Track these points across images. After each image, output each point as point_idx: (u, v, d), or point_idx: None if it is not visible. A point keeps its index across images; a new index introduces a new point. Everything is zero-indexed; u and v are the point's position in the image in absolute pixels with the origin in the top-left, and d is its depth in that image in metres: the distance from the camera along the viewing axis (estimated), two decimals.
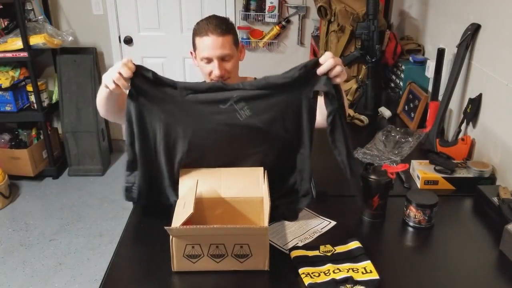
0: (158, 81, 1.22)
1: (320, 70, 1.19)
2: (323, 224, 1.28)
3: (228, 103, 1.24)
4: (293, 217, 1.30)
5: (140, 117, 1.24)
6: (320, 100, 1.25)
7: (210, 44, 1.45)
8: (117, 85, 1.17)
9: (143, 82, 1.21)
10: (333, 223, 1.29)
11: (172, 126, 1.25)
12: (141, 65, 1.21)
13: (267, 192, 1.14)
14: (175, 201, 1.24)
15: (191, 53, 1.57)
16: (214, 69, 1.47)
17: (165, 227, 1.02)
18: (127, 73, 1.16)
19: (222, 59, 1.47)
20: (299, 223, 1.28)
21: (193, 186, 1.14)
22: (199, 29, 1.48)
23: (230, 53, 1.48)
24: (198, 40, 1.48)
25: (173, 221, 1.06)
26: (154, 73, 1.21)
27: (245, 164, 1.30)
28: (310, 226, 1.27)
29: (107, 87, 1.20)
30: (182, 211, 1.08)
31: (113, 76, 1.17)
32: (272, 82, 1.23)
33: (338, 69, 1.18)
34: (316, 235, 1.23)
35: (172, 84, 1.23)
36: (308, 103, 1.25)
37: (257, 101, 1.25)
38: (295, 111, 1.27)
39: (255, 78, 1.64)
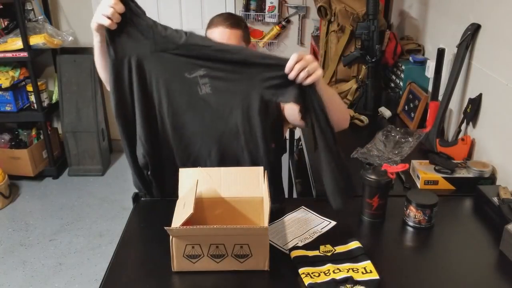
0: (136, 21, 1.20)
1: (289, 77, 1.17)
2: (323, 224, 1.28)
3: (193, 74, 1.25)
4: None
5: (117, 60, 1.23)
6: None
7: (218, 35, 1.47)
8: (111, 20, 1.15)
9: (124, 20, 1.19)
10: (333, 223, 1.29)
11: (142, 69, 1.26)
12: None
13: (267, 192, 1.14)
14: (142, 154, 1.29)
15: None
16: None
17: (165, 228, 1.02)
18: (119, 7, 1.15)
19: None
20: (299, 223, 1.28)
21: (193, 186, 1.14)
22: (211, 22, 1.53)
23: None
24: (208, 32, 1.51)
25: (173, 221, 1.06)
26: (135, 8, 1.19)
27: (193, 142, 1.33)
28: (310, 226, 1.27)
29: (98, 28, 1.18)
30: (182, 211, 1.08)
31: (107, 12, 1.14)
32: (249, 61, 1.23)
33: (302, 74, 1.15)
34: (316, 235, 1.23)
35: (146, 32, 1.21)
36: (263, 104, 1.28)
37: (220, 82, 1.27)
38: (248, 106, 1.29)
39: None
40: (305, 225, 1.28)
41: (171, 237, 1.04)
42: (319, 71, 1.18)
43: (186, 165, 1.34)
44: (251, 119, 1.32)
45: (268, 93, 1.25)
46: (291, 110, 1.42)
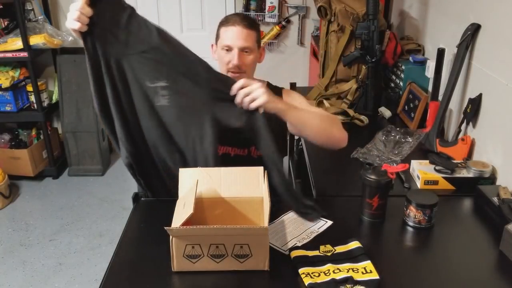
0: (110, 21, 1.20)
1: (235, 101, 1.25)
2: (320, 224, 1.29)
3: (155, 83, 1.25)
4: None
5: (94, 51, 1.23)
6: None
7: (235, 33, 1.50)
8: (80, 23, 1.16)
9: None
10: (330, 222, 1.29)
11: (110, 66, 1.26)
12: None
13: (267, 192, 1.14)
14: (124, 155, 1.29)
15: (212, 46, 1.61)
16: (233, 58, 1.50)
17: (165, 228, 1.02)
18: (86, 10, 1.16)
19: (242, 50, 1.51)
20: (295, 224, 1.28)
21: (193, 186, 1.14)
22: (226, 20, 1.54)
23: (251, 47, 1.52)
24: (222, 30, 1.53)
25: (173, 221, 1.06)
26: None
27: (160, 143, 1.32)
28: (307, 226, 1.27)
29: (74, 31, 1.19)
30: (182, 211, 1.08)
31: (74, 16, 1.15)
32: (203, 80, 1.26)
33: (247, 99, 1.23)
34: (313, 235, 1.24)
35: (119, 33, 1.20)
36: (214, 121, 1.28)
37: (180, 98, 1.27)
38: (200, 123, 1.29)
39: (268, 82, 1.66)
40: (301, 225, 1.27)
41: (171, 237, 1.04)
42: (263, 98, 1.24)
43: (165, 166, 1.34)
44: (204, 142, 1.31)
45: (219, 113, 1.28)
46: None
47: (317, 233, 1.24)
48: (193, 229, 1.03)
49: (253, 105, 1.24)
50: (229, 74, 1.52)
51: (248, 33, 1.51)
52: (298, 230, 1.25)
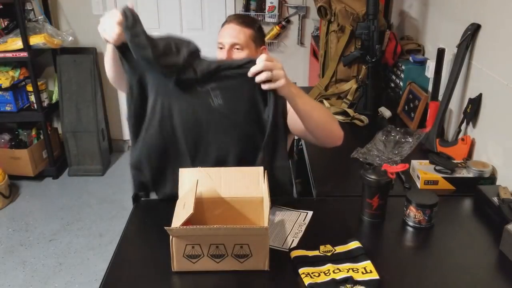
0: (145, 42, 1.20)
1: (250, 72, 1.21)
2: (303, 216, 1.31)
3: (204, 87, 1.27)
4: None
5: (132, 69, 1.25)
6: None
7: (227, 30, 1.50)
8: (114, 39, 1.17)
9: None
10: (310, 212, 1.32)
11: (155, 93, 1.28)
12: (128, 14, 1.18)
13: (267, 191, 1.14)
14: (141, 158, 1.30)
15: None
16: (223, 55, 1.49)
17: (165, 227, 1.02)
18: (117, 31, 1.17)
19: (232, 46, 1.49)
20: (282, 221, 1.29)
21: (193, 186, 1.14)
22: (225, 20, 1.55)
23: (242, 44, 1.49)
24: (221, 29, 1.54)
25: (173, 221, 1.06)
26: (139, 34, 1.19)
27: (210, 150, 1.33)
28: (293, 220, 1.29)
29: (107, 41, 1.19)
30: (182, 211, 1.08)
31: (107, 34, 1.17)
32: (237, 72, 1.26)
33: (264, 75, 1.18)
34: (303, 227, 1.26)
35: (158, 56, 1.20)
36: (262, 98, 1.28)
37: (230, 91, 1.28)
38: (255, 104, 1.30)
39: None
40: (287, 221, 1.29)
41: (171, 237, 1.04)
42: (282, 81, 1.20)
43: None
44: (261, 114, 1.32)
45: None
46: (292, 120, 1.46)
47: (305, 224, 1.27)
48: (193, 229, 1.03)
49: (271, 86, 1.20)
50: None
51: (241, 30, 1.50)
52: (288, 226, 1.27)
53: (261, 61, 1.19)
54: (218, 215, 1.23)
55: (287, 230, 1.25)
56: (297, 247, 1.17)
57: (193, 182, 1.17)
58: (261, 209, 1.19)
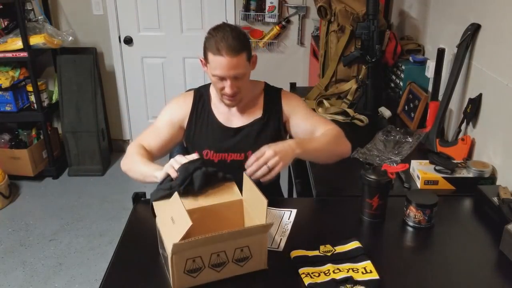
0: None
1: (247, 174, 1.25)
2: (287, 214, 1.33)
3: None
4: None
5: None
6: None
7: (224, 65, 1.41)
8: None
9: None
10: (294, 211, 1.34)
11: None
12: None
13: (258, 191, 1.10)
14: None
15: (201, 60, 1.52)
16: (227, 87, 1.45)
17: (164, 246, 1.01)
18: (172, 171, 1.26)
19: (235, 78, 1.45)
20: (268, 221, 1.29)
21: (176, 199, 1.09)
22: (212, 46, 1.41)
23: (243, 72, 1.45)
24: (210, 56, 1.43)
25: (166, 241, 1.02)
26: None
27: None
28: (278, 220, 1.30)
29: (167, 176, 1.27)
30: (174, 227, 1.03)
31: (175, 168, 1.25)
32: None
33: (259, 174, 1.27)
34: (289, 225, 1.28)
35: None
36: None
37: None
38: None
39: (265, 83, 1.63)
40: (274, 220, 1.30)
41: (169, 256, 0.99)
42: (280, 165, 1.28)
43: None
44: None
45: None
46: (296, 127, 1.56)
47: (291, 223, 1.29)
48: (196, 240, 0.98)
49: (273, 174, 1.28)
50: (224, 99, 1.50)
51: (238, 59, 1.42)
52: (274, 226, 1.28)
53: (251, 165, 1.28)
54: (203, 225, 1.12)
55: (273, 230, 1.26)
56: (295, 247, 1.16)
57: (172, 199, 1.12)
58: (242, 211, 1.19)
